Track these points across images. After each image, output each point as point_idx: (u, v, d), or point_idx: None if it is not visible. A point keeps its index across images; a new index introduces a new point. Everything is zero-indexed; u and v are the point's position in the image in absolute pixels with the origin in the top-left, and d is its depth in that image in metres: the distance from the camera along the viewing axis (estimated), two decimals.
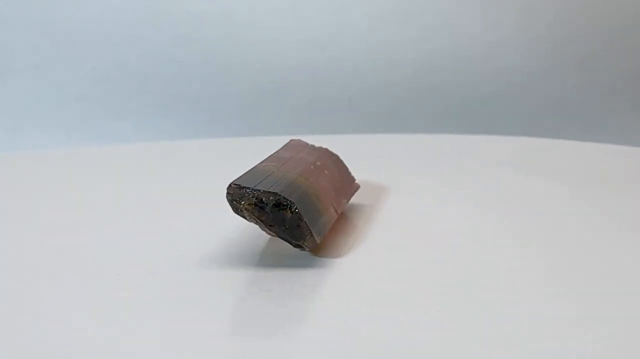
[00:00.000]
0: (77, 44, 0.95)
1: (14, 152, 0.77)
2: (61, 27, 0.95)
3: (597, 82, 0.98)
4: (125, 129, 0.94)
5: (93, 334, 0.24)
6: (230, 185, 0.28)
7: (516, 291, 0.27)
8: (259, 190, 0.28)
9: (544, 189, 0.41)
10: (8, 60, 0.94)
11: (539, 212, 0.36)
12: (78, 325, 0.25)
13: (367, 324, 0.24)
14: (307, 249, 0.29)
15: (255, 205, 0.28)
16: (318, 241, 0.29)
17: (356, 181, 0.37)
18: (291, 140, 0.38)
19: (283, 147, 0.36)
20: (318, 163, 0.34)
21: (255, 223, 0.29)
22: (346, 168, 0.37)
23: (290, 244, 0.29)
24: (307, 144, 0.37)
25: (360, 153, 0.47)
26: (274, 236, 0.30)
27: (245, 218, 0.29)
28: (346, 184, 0.36)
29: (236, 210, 0.29)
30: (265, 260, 0.30)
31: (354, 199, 0.37)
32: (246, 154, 0.38)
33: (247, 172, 0.30)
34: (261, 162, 0.32)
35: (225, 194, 0.29)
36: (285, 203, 0.28)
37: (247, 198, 0.28)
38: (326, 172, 0.34)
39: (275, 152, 0.35)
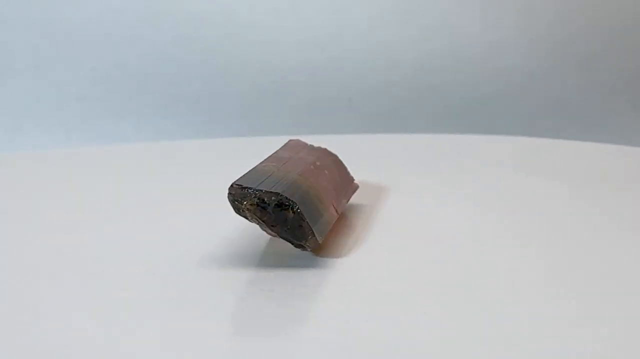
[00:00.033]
0: (77, 44, 0.95)
1: (14, 152, 0.77)
2: (61, 27, 0.95)
3: (597, 82, 0.98)
4: (125, 129, 0.94)
5: (93, 334, 0.24)
6: (232, 185, 0.28)
7: (516, 291, 0.27)
8: (261, 190, 0.28)
9: (544, 189, 0.41)
10: (8, 60, 0.94)
11: (539, 212, 0.36)
12: (78, 325, 0.25)
13: (368, 324, 0.24)
14: (309, 250, 0.29)
15: (257, 205, 0.28)
16: (320, 241, 0.29)
17: (355, 181, 0.37)
18: (290, 140, 0.38)
19: (282, 147, 0.36)
20: (318, 163, 0.34)
21: (257, 223, 0.29)
22: (345, 168, 0.37)
23: (292, 244, 0.29)
24: (305, 144, 0.37)
25: (360, 153, 0.47)
26: (274, 236, 0.30)
27: (247, 218, 0.29)
28: (346, 184, 0.36)
29: (238, 210, 0.29)
30: (266, 260, 0.30)
31: (354, 199, 0.37)
32: (246, 154, 0.38)
33: (248, 172, 0.30)
34: (261, 163, 0.32)
35: (225, 194, 0.29)
36: (287, 203, 0.28)
37: (249, 198, 0.28)
38: (326, 172, 0.34)
39: (274, 153, 0.35)
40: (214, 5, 0.96)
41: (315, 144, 0.38)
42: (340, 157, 0.38)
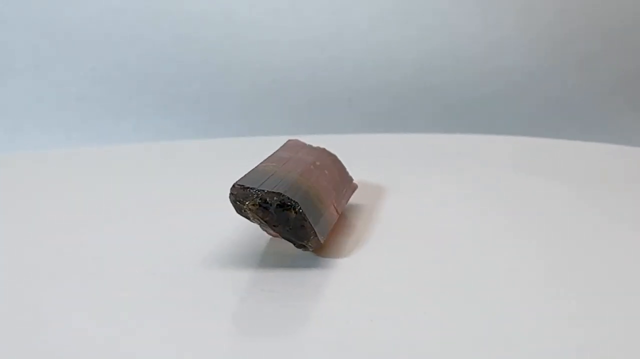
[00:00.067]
0: (77, 44, 0.95)
1: (14, 152, 0.77)
2: (61, 27, 0.95)
3: (597, 82, 0.98)
4: (125, 129, 0.94)
5: (93, 334, 0.24)
6: (234, 185, 0.28)
7: (516, 291, 0.27)
8: (263, 190, 0.28)
9: (544, 189, 0.41)
10: (8, 60, 0.94)
11: (539, 212, 0.36)
12: (78, 325, 0.25)
13: (368, 324, 0.24)
14: (311, 250, 0.29)
15: (260, 205, 0.28)
16: (322, 241, 0.29)
17: (354, 181, 0.37)
18: (289, 140, 0.38)
19: (281, 147, 0.36)
20: (317, 163, 0.34)
21: (259, 223, 0.29)
22: (344, 168, 0.37)
23: (294, 244, 0.29)
24: (304, 144, 0.37)
25: (360, 153, 0.47)
26: (275, 236, 0.30)
27: (249, 218, 0.29)
28: (345, 184, 0.36)
29: (239, 211, 0.29)
30: (267, 260, 0.30)
31: (354, 199, 0.37)
32: (246, 154, 0.38)
33: (249, 172, 0.30)
34: (262, 163, 0.32)
35: (226, 194, 0.29)
36: (289, 203, 0.28)
37: (251, 198, 0.28)
38: (326, 172, 0.34)
39: (274, 153, 0.35)
40: (214, 5, 0.96)
41: (315, 144, 0.38)
42: (340, 157, 0.38)
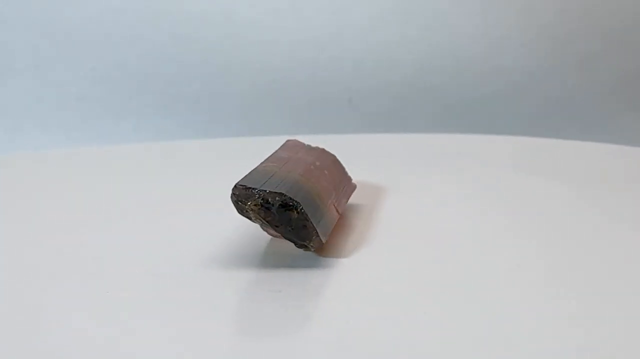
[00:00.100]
0: (77, 44, 0.95)
1: (14, 152, 0.77)
2: (61, 27, 0.95)
3: (597, 82, 0.98)
4: (125, 129, 0.94)
5: (93, 334, 0.24)
6: (235, 186, 0.28)
7: (516, 291, 0.27)
8: (265, 190, 0.28)
9: (544, 189, 0.41)
10: (8, 60, 0.94)
11: (539, 212, 0.36)
12: (78, 325, 0.25)
13: (368, 324, 0.24)
14: (312, 250, 0.29)
15: (262, 206, 0.28)
16: (324, 241, 0.29)
17: (353, 181, 0.37)
18: (288, 140, 0.38)
19: (281, 147, 0.36)
20: (317, 163, 0.34)
21: (261, 224, 0.29)
22: (343, 168, 0.37)
23: (295, 244, 0.29)
24: (303, 144, 0.37)
25: (360, 153, 0.47)
26: (276, 236, 0.30)
27: (250, 219, 0.29)
28: (345, 184, 0.36)
29: (241, 211, 0.29)
30: (267, 260, 0.30)
31: (354, 199, 0.37)
32: (246, 154, 0.38)
33: (250, 172, 0.30)
34: (262, 163, 0.32)
35: (226, 194, 0.29)
36: (291, 204, 0.28)
37: (253, 199, 0.28)
38: (326, 172, 0.34)
39: (274, 153, 0.35)
40: (214, 5, 0.96)
41: (315, 144, 0.38)
42: (340, 157, 0.38)
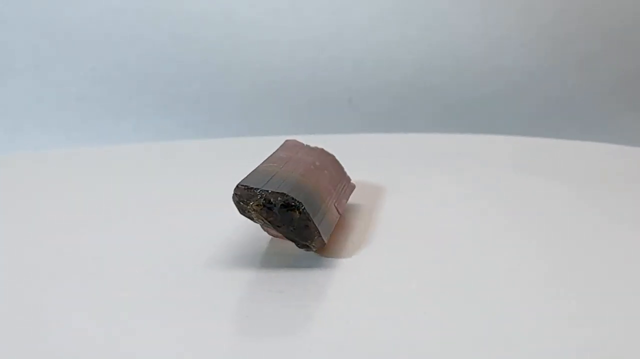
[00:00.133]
0: (77, 44, 0.95)
1: (14, 152, 0.77)
2: (61, 27, 0.95)
3: (597, 82, 0.98)
4: (125, 129, 0.94)
5: (93, 334, 0.24)
6: (237, 186, 0.28)
7: (516, 291, 0.27)
8: (267, 191, 0.28)
9: (544, 189, 0.41)
10: (8, 60, 0.94)
11: (539, 212, 0.36)
12: (78, 325, 0.25)
13: (369, 324, 0.24)
14: (314, 250, 0.29)
15: (264, 206, 0.28)
16: (325, 241, 0.29)
17: (352, 181, 0.37)
18: (287, 140, 0.38)
19: (280, 147, 0.36)
20: (317, 163, 0.34)
21: (262, 224, 0.29)
22: (342, 168, 0.37)
23: (297, 244, 0.29)
24: (302, 144, 0.37)
25: (359, 153, 0.47)
26: (277, 236, 0.30)
27: (252, 219, 0.29)
28: (344, 184, 0.36)
29: (243, 211, 0.29)
30: (268, 260, 0.30)
31: (354, 199, 0.37)
32: (246, 154, 0.38)
33: (251, 173, 0.30)
34: (262, 163, 0.32)
35: (226, 194, 0.29)
36: (293, 204, 0.28)
37: (255, 199, 0.28)
38: (326, 172, 0.34)
39: (273, 153, 0.35)
40: (214, 5, 0.96)
41: (315, 144, 0.38)
42: (340, 157, 0.38)
